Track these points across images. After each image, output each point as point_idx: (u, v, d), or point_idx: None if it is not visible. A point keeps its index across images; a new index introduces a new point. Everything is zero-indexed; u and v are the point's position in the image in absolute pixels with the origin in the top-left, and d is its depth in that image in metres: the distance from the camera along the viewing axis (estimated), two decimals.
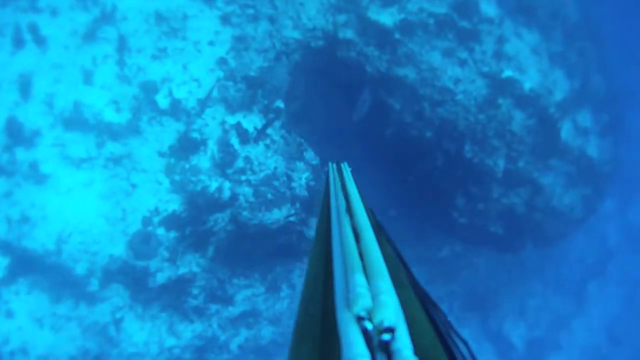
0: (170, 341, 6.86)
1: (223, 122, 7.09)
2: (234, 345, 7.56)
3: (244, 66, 7.40)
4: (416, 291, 0.69)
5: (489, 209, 8.52)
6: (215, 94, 7.12)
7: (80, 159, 6.81)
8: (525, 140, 8.21)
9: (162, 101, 7.00)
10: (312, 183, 7.55)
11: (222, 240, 6.95)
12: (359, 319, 0.48)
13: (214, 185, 6.79)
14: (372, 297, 0.52)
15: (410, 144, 8.50)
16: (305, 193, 7.28)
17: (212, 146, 6.95)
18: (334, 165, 1.34)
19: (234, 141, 7.01)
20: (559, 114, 8.41)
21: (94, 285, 6.65)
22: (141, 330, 6.72)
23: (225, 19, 7.72)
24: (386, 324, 0.47)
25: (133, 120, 6.86)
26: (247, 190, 6.96)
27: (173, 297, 6.95)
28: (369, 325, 0.47)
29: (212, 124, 7.04)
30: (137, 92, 7.02)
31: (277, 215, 7.12)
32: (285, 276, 7.98)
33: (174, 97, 7.03)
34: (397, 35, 8.17)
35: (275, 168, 7.17)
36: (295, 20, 8.17)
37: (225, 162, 6.87)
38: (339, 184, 1.09)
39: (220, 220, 6.83)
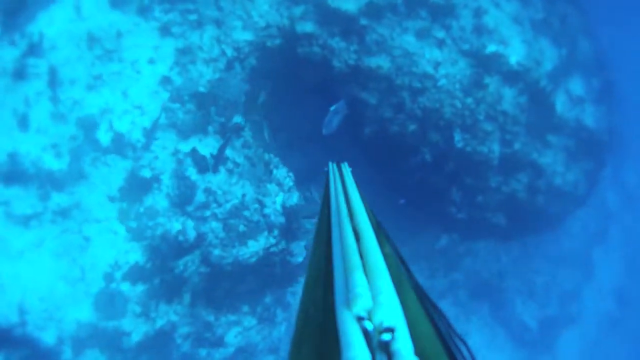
0: None
1: (175, 152, 6.12)
2: None
3: (192, 82, 6.37)
4: (416, 291, 0.67)
5: (489, 200, 7.65)
6: (162, 120, 6.13)
7: (25, 216, 5.87)
8: (519, 119, 7.27)
9: (104, 137, 6.02)
10: (289, 204, 6.65)
11: (197, 284, 6.10)
12: (359, 319, 0.47)
13: (175, 226, 5.88)
14: (372, 297, 0.51)
15: (392, 141, 7.56)
16: (281, 219, 6.38)
17: (166, 182, 6.00)
18: (334, 165, 1.29)
19: (191, 172, 6.06)
20: (552, 86, 7.44)
21: (66, 353, 5.83)
22: None
23: (164, 30, 6.64)
24: (386, 324, 0.46)
25: (75, 165, 5.89)
26: (214, 225, 6.06)
27: (155, 352, 6.14)
28: (369, 325, 0.47)
29: (163, 156, 6.07)
30: (75, 131, 6.02)
31: (253, 247, 6.24)
32: (278, 301, 7.18)
33: (116, 130, 6.03)
34: (363, 22, 7.10)
35: (244, 196, 6.24)
36: (245, 19, 7.08)
37: (184, 198, 5.94)
38: (339, 184, 1.07)
39: (190, 263, 5.96)
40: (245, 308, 6.82)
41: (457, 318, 10.67)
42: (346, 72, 7.42)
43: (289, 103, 8.38)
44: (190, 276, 5.99)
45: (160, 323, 5.98)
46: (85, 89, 6.18)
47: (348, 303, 0.51)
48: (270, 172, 6.58)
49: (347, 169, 1.26)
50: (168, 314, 6.03)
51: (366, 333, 0.46)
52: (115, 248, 5.81)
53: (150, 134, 5.91)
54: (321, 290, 0.65)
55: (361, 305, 0.49)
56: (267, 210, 6.34)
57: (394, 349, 0.43)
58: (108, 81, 6.20)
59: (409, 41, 6.75)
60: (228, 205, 6.08)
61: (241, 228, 6.13)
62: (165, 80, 6.31)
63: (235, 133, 6.48)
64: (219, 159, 5.89)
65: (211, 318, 6.46)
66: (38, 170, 5.90)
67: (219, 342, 6.56)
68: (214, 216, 6.03)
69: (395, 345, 0.44)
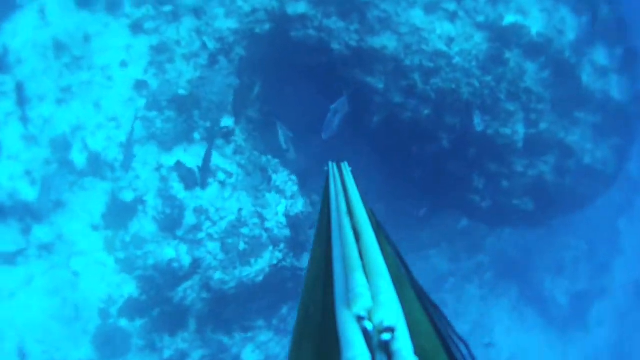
0: None
1: (158, 167, 5.34)
2: None
3: (170, 84, 5.50)
4: (416, 291, 0.66)
5: (515, 185, 6.73)
6: (139, 132, 5.33)
7: (11, 253, 5.27)
8: (543, 96, 6.25)
9: (78, 158, 5.26)
10: (294, 212, 5.87)
11: (201, 310, 5.46)
12: (359, 319, 0.47)
13: (167, 253, 5.18)
14: (372, 296, 0.50)
15: (405, 129, 6.63)
16: (286, 232, 5.62)
17: (151, 203, 5.26)
18: (334, 165, 1.27)
19: (178, 189, 5.30)
20: (576, 57, 6.35)
21: None
22: None
23: (136, 27, 5.72)
24: (386, 323, 0.45)
25: (52, 192, 5.19)
26: (211, 246, 5.34)
27: None
28: (369, 325, 0.46)
29: (145, 174, 5.30)
30: (48, 154, 5.28)
31: (258, 265, 5.53)
32: (295, 312, 6.54)
33: (91, 150, 5.27)
34: None
35: (240, 210, 5.48)
36: (227, 5, 6.09)
37: (173, 221, 5.21)
38: (339, 184, 1.04)
39: (189, 291, 5.29)
40: (260, 322, 6.18)
41: (485, 300, 10.06)
42: (347, 56, 6.42)
43: (287, 94, 7.46)
44: (192, 304, 5.34)
45: (168, 353, 5.39)
46: (55, 104, 5.39)
47: (348, 303, 0.50)
48: (269, 179, 5.77)
49: (347, 169, 1.23)
50: (176, 343, 5.42)
51: (366, 333, 0.45)
52: (106, 281, 5.17)
53: (127, 149, 5.13)
54: (321, 290, 0.63)
55: (361, 305, 0.48)
56: (268, 224, 5.58)
57: (394, 348, 0.43)
58: (78, 93, 5.39)
59: (417, 16, 5.70)
60: (223, 224, 5.34)
61: (241, 246, 5.40)
62: (140, 85, 5.46)
63: (225, 138, 5.65)
64: (205, 171, 5.10)
65: (224, 339, 5.85)
66: (15, 202, 5.23)
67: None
68: (210, 237, 5.31)
69: (395, 344, 0.43)
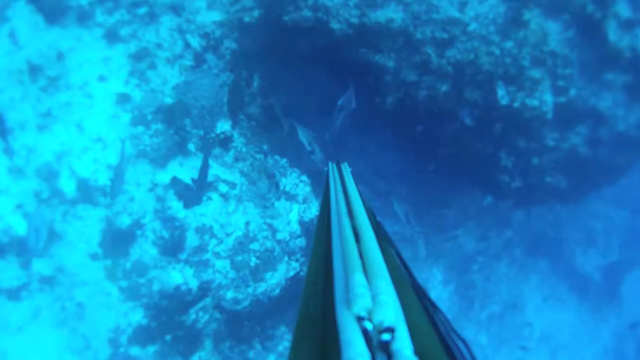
0: None
1: (153, 187, 4.88)
2: None
3: (155, 94, 4.96)
4: (416, 291, 0.65)
5: (546, 162, 5.95)
6: (128, 151, 4.85)
7: (14, 288, 5.01)
8: (570, 59, 5.37)
9: (68, 186, 4.85)
10: (308, 217, 5.33)
11: (216, 329, 5.07)
12: (359, 319, 0.46)
13: (173, 278, 4.77)
14: (372, 297, 0.49)
15: (422, 108, 5.89)
16: (301, 242, 5.10)
17: (150, 225, 4.82)
18: (334, 165, 1.26)
19: (177, 208, 4.83)
20: (600, 12, 5.38)
21: None
22: None
23: (111, 35, 5.16)
24: (386, 324, 0.45)
25: (41, 229, 4.82)
26: (220, 265, 4.89)
27: None
28: (368, 325, 0.45)
29: (140, 195, 4.84)
30: (36, 185, 4.90)
31: (274, 279, 5.07)
32: None
33: (78, 175, 4.84)
34: None
35: (247, 224, 4.98)
36: None
37: (175, 243, 4.77)
38: (339, 184, 1.03)
39: (201, 312, 4.90)
40: (283, 328, 5.77)
41: (517, 278, 9.48)
42: (350, 34, 5.68)
43: (290, 83, 6.81)
44: (205, 325, 4.95)
45: None
46: (37, 131, 4.96)
47: (348, 303, 0.49)
48: (276, 184, 5.22)
49: (347, 169, 1.22)
50: None
51: (366, 333, 0.44)
52: (112, 310, 4.82)
53: (117, 172, 4.67)
54: (321, 290, 0.62)
55: (361, 305, 0.48)
56: (280, 235, 5.07)
57: (394, 348, 0.42)
58: (59, 116, 4.93)
59: None
60: (230, 240, 4.86)
61: (253, 262, 4.93)
62: (122, 98, 4.95)
63: (223, 145, 5.11)
64: (201, 185, 4.60)
65: (245, 350, 5.48)
66: (11, 239, 4.91)
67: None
68: (217, 255, 4.85)
69: (395, 345, 0.43)
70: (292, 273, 5.16)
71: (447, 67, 5.51)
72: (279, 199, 5.10)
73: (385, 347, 0.42)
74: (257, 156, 5.36)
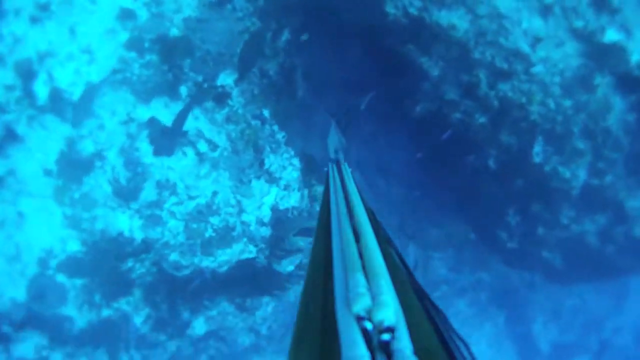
0: None
1: (128, 120, 4.38)
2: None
3: (162, 20, 4.34)
4: (416, 291, 0.65)
5: (551, 237, 5.34)
6: (114, 73, 4.30)
7: None
8: (621, 144, 4.61)
9: (41, 91, 4.38)
10: (284, 206, 4.85)
11: (150, 282, 4.79)
12: (359, 319, 0.46)
13: (118, 224, 4.41)
14: (372, 297, 0.50)
15: (450, 130, 5.22)
16: (265, 231, 4.67)
17: (112, 161, 4.39)
18: (334, 165, 1.26)
19: (145, 151, 4.37)
20: None
21: (5, 327, 5.02)
22: None
23: None
24: (386, 323, 0.45)
25: (11, 122, 4.42)
26: (172, 224, 4.51)
27: (105, 339, 5.14)
28: (369, 325, 0.45)
29: (111, 125, 4.36)
30: (12, 79, 4.42)
31: (223, 257, 4.70)
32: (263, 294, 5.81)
33: (55, 84, 4.34)
34: None
35: (214, 195, 4.52)
36: None
37: (131, 188, 4.35)
38: (338, 184, 1.04)
39: (138, 265, 4.59)
40: (223, 303, 5.47)
41: (471, 320, 9.18)
42: (403, 25, 4.92)
43: (321, 50, 6.08)
44: (140, 277, 4.65)
45: (107, 313, 4.83)
46: (29, 22, 4.40)
47: (348, 303, 0.49)
48: (262, 162, 4.70)
49: (346, 169, 1.21)
50: (118, 304, 4.84)
51: (366, 333, 0.44)
52: (50, 232, 4.53)
53: (96, 91, 4.17)
54: (321, 290, 0.62)
55: (361, 305, 0.48)
56: (247, 217, 4.63)
57: (394, 348, 0.42)
58: (56, 12, 4.35)
59: None
60: (191, 205, 4.43)
61: (208, 234, 4.53)
62: (127, 14, 4.33)
63: (218, 100, 4.54)
64: (175, 133, 4.11)
65: (176, 304, 5.22)
66: None
67: (186, 326, 5.35)
68: (172, 214, 4.45)
69: (395, 345, 0.43)
70: (246, 256, 4.78)
71: (493, 100, 4.77)
72: (258, 177, 4.61)
73: (385, 347, 0.42)
74: (253, 122, 4.80)
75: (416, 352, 0.41)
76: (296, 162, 5.14)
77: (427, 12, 4.68)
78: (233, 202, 4.56)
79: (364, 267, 0.57)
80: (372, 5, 5.11)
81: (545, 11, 4.00)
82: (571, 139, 4.50)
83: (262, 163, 4.71)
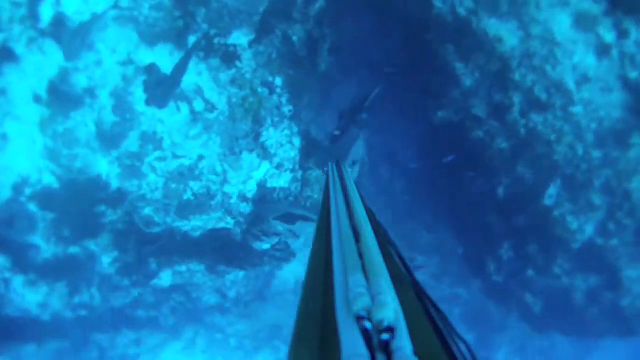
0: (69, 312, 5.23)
1: (127, 62, 4.09)
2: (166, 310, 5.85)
3: None
4: (416, 291, 0.65)
5: (539, 282, 5.07)
6: (122, 9, 3.96)
7: None
8: (637, 212, 4.15)
9: (46, 13, 4.07)
10: (272, 185, 4.62)
11: (120, 230, 4.72)
12: (359, 319, 0.46)
13: (98, 167, 4.25)
14: (372, 296, 0.50)
15: (467, 147, 4.82)
16: (247, 207, 4.48)
17: (102, 101, 4.16)
18: (334, 165, 1.26)
19: (139, 98, 4.12)
20: None
21: None
22: (35, 294, 5.20)
23: None
24: (386, 323, 0.45)
25: (11, 40, 4.17)
26: (152, 179, 4.35)
27: (68, 274, 5.14)
28: (368, 325, 0.45)
29: (109, 63, 4.09)
30: None
31: (198, 222, 4.57)
32: (235, 266, 5.78)
33: (61, 9, 4.02)
34: None
35: (200, 159, 4.30)
36: None
37: (114, 135, 4.15)
38: (338, 184, 1.03)
39: (110, 212, 4.49)
40: (193, 265, 5.40)
41: None
42: (447, 23, 4.40)
43: (356, 27, 5.58)
44: (110, 224, 4.58)
45: (76, 250, 4.81)
46: None
47: (348, 303, 0.49)
48: (258, 134, 4.42)
49: (346, 169, 1.20)
50: (86, 244, 4.79)
51: (366, 332, 0.44)
52: (30, 160, 4.41)
53: (100, 24, 3.86)
54: (321, 290, 0.62)
55: (361, 304, 0.48)
56: (229, 189, 4.43)
57: (394, 348, 0.42)
58: None
59: (562, 23, 3.50)
60: (174, 164, 4.24)
61: (186, 197, 4.37)
62: None
63: (226, 59, 4.20)
64: (172, 84, 3.84)
65: (145, 257, 5.18)
66: None
67: (153, 275, 5.35)
68: (152, 169, 4.27)
69: (395, 344, 0.42)
70: (221, 226, 4.63)
71: (521, 128, 4.33)
72: (251, 150, 4.36)
73: (385, 346, 0.42)
74: (260, 90, 4.47)
75: (416, 351, 0.41)
76: (297, 141, 4.84)
77: (476, 16, 4.14)
78: (219, 170, 4.34)
79: (364, 267, 0.57)
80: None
81: (602, 51, 3.48)
82: (589, 191, 4.11)
83: (258, 136, 4.44)
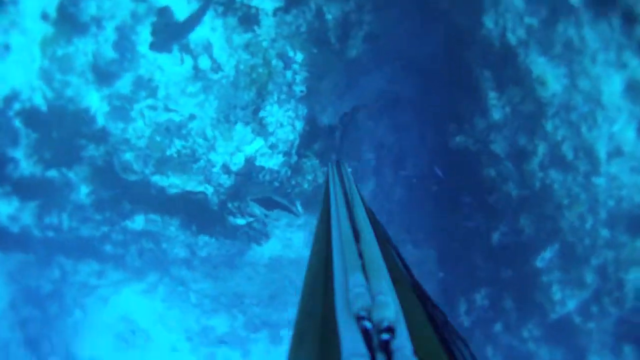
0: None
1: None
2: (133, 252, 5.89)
3: None
4: (416, 291, 0.65)
5: (504, 338, 4.80)
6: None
7: None
8: (624, 302, 3.86)
9: None
10: (260, 163, 4.39)
11: (98, 167, 4.60)
12: (359, 319, 0.46)
13: (88, 99, 4.07)
14: (372, 296, 0.49)
15: (472, 180, 4.46)
16: (228, 181, 4.28)
17: (106, 33, 3.91)
18: (334, 165, 1.26)
19: (144, 39, 3.86)
20: None
21: None
22: (7, 206, 5.21)
23: None
24: (386, 323, 0.45)
25: None
26: (139, 125, 4.16)
27: (45, 195, 5.09)
28: (368, 325, 0.45)
29: None
30: None
31: (176, 181, 4.41)
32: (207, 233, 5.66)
33: None
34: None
35: (191, 118, 4.07)
36: None
37: (109, 72, 3.92)
38: (338, 184, 1.03)
39: (92, 147, 4.35)
40: (171, 221, 5.30)
41: None
42: (492, 46, 3.92)
43: (403, 18, 5.12)
44: (91, 159, 4.45)
45: (54, 174, 4.72)
46: None
47: (348, 302, 0.49)
48: (258, 108, 4.15)
49: (346, 169, 1.21)
50: (65, 172, 4.70)
51: (366, 332, 0.44)
52: (25, 75, 4.24)
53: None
54: (321, 290, 0.61)
55: (361, 304, 0.48)
56: (215, 157, 4.22)
57: (394, 348, 0.42)
58: None
59: (613, 85, 3.04)
60: (163, 116, 4.02)
61: (168, 152, 4.19)
62: None
63: (244, 19, 3.87)
64: (181, 33, 3.57)
65: (121, 197, 5.07)
66: None
67: (126, 215, 5.28)
68: (141, 115, 4.07)
69: (395, 344, 0.42)
70: (198, 190, 4.46)
71: (535, 181, 3.94)
72: (246, 123, 4.11)
73: (385, 346, 0.42)
74: (274, 62, 4.16)
75: (416, 351, 0.41)
76: (299, 125, 4.55)
77: (525, 49, 3.65)
78: (209, 135, 4.12)
79: (363, 267, 0.57)
80: (473, 8, 4.05)
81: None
82: (583, 267, 3.76)
83: (258, 109, 4.16)
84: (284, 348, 5.94)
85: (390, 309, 0.46)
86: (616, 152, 3.22)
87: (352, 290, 0.51)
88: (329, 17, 4.53)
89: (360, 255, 0.60)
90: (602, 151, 3.28)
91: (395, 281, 0.55)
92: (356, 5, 4.70)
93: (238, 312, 6.62)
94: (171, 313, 6.27)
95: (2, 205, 4.71)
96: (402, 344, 0.42)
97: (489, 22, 3.69)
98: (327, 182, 1.14)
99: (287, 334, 6.15)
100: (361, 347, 0.41)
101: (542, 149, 3.78)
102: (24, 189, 4.62)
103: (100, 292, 5.79)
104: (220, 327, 6.31)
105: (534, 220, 4.10)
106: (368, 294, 0.49)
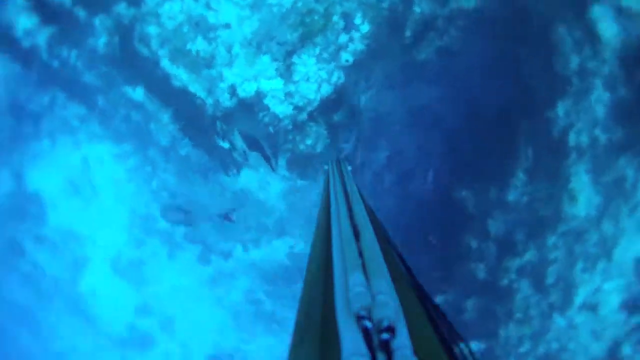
0: None
1: None
2: None
3: None
4: (416, 290, 0.64)
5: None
6: None
7: None
8: None
9: None
10: (272, 107, 4.09)
11: (123, 25, 4.31)
12: (359, 318, 0.46)
13: None
14: (372, 295, 0.49)
15: (457, 239, 4.20)
16: (229, 102, 4.02)
17: None
18: (334, 164, 1.23)
19: None
20: None
21: None
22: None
23: None
24: (386, 323, 0.44)
25: None
26: (172, 9, 3.82)
27: (66, 21, 4.85)
28: (368, 324, 0.45)
29: None
30: None
31: (184, 75, 4.16)
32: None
33: None
34: None
35: (225, 27, 3.72)
36: None
37: None
38: (338, 183, 1.02)
39: (122, 7, 4.04)
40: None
41: None
42: (548, 131, 3.44)
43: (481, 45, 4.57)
44: (117, 15, 4.16)
45: (81, 13, 4.45)
46: None
47: (348, 302, 0.48)
48: (293, 52, 3.79)
49: (346, 168, 1.17)
50: (92, 15, 4.43)
51: (366, 332, 0.44)
52: None
53: None
54: (321, 290, 0.61)
55: (361, 304, 0.47)
56: (227, 74, 3.92)
57: (394, 347, 0.41)
58: None
59: (630, 251, 2.68)
60: (201, 10, 3.68)
61: (188, 47, 3.90)
62: None
63: None
64: None
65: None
66: None
67: (131, 81, 5.07)
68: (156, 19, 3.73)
69: (395, 343, 0.42)
70: (200, 95, 4.23)
71: (505, 279, 3.63)
72: (275, 59, 3.81)
73: (385, 345, 0.42)
74: (336, 19, 3.74)
75: (416, 351, 0.40)
76: (327, 89, 4.20)
77: (577, 155, 3.19)
78: (234, 51, 3.79)
79: (364, 266, 0.56)
80: (552, 86, 3.52)
81: None
82: None
83: (292, 53, 3.81)
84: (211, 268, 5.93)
85: (390, 309, 0.46)
86: (591, 308, 2.92)
87: (352, 289, 0.50)
88: (417, 9, 4.05)
89: (361, 254, 0.59)
90: (580, 297, 2.97)
91: (396, 280, 0.54)
92: (449, 15, 4.18)
93: (187, 218, 6.61)
94: (128, 186, 6.24)
95: (23, 18, 4.52)
96: (402, 343, 0.41)
97: (560, 109, 3.23)
98: (327, 180, 1.11)
99: (217, 259, 6.07)
100: (361, 347, 0.40)
101: (530, 255, 3.47)
102: (48, 11, 4.40)
103: (77, 136, 5.71)
104: (162, 223, 6.30)
105: (480, 309, 3.88)
106: (368, 293, 0.49)
